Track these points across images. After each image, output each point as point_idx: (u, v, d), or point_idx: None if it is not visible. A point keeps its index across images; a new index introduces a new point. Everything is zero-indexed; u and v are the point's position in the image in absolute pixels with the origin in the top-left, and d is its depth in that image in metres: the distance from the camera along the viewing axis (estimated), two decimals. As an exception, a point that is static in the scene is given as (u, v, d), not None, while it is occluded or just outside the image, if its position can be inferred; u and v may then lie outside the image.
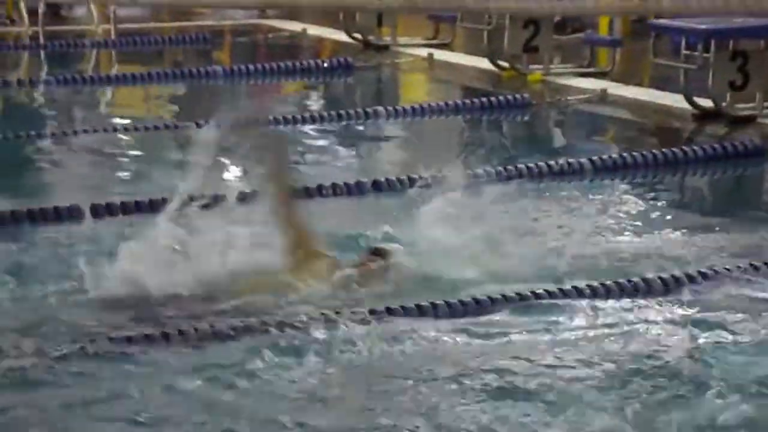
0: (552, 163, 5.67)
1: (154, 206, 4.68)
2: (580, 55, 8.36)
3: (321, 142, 6.55)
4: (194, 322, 3.60)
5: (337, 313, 3.63)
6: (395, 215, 4.66)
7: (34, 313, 3.69)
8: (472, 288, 3.88)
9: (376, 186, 5.24)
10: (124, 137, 6.58)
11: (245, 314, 3.66)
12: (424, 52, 9.17)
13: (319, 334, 3.51)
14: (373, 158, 6.37)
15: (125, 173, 5.78)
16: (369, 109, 7.08)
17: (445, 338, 3.57)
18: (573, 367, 3.35)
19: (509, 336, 3.59)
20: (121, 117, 7.43)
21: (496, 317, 3.73)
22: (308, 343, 3.47)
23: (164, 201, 4.20)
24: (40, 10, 10.35)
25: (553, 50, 8.28)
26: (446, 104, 7.30)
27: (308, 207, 4.78)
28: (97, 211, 4.75)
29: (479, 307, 3.75)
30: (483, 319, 3.70)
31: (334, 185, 5.20)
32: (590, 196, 5.25)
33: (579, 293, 3.86)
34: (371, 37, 9.61)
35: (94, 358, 3.37)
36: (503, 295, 3.81)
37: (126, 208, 4.81)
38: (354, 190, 5.21)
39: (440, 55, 9.12)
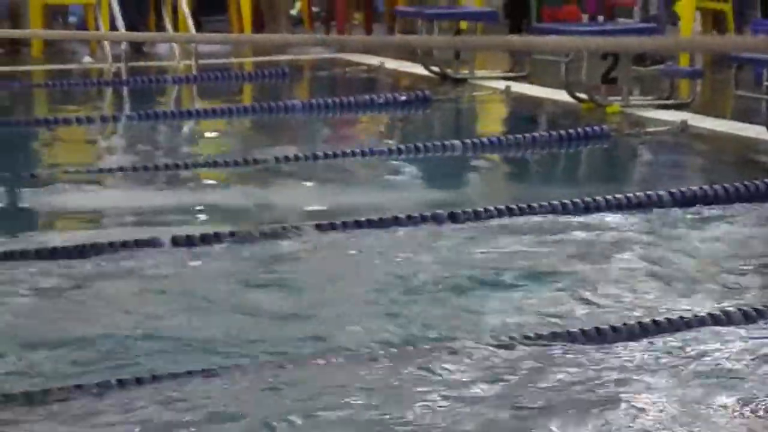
0: (631, 195, 5.63)
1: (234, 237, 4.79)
2: (659, 86, 8.30)
3: (398, 175, 6.57)
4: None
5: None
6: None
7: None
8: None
9: (453, 218, 5.23)
10: (204, 171, 6.64)
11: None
12: (501, 84, 9.16)
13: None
14: (450, 190, 6.36)
15: (204, 205, 5.83)
16: (446, 142, 7.09)
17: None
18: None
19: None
20: (201, 151, 7.52)
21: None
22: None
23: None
24: (123, 47, 10.54)
25: (632, 82, 8.23)
26: (524, 137, 7.27)
27: (384, 238, 4.83)
28: (177, 242, 4.80)
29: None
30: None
31: (409, 217, 5.19)
32: (670, 228, 5.19)
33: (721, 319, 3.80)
34: (449, 70, 9.63)
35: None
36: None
37: (205, 239, 4.85)
38: (430, 221, 5.20)
39: (518, 87, 9.11)
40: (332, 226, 5.02)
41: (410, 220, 5.14)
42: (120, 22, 10.82)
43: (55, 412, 3.06)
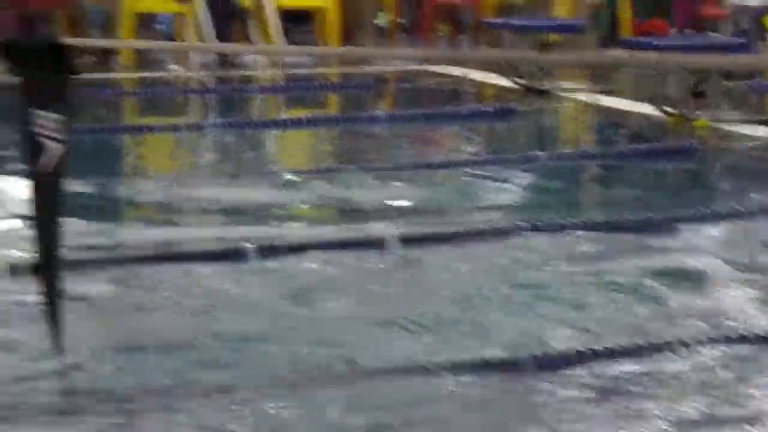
0: (720, 209, 5.56)
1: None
2: (748, 101, 8.20)
3: (481, 186, 6.55)
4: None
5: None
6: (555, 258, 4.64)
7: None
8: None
9: (536, 229, 5.20)
10: (289, 179, 6.69)
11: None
12: (586, 96, 9.11)
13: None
14: (533, 203, 6.34)
15: (282, 219, 5.87)
16: (530, 153, 7.06)
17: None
18: None
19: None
20: (287, 161, 7.58)
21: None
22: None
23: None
24: (211, 56, 10.66)
25: (721, 96, 8.13)
26: (609, 150, 7.22)
27: (467, 249, 4.81)
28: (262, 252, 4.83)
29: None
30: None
31: (494, 229, 5.19)
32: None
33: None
34: (533, 82, 9.60)
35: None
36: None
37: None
38: (513, 232, 5.18)
39: (604, 100, 9.04)
40: (417, 238, 5.01)
41: (497, 231, 5.12)
42: (208, 32, 10.94)
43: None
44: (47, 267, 2.45)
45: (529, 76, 9.61)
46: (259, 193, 6.24)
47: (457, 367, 3.37)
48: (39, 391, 3.08)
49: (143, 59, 11.59)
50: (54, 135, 2.30)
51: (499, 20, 11.30)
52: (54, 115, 2.27)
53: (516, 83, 9.69)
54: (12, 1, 11.65)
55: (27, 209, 2.37)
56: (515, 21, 10.50)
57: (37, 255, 2.44)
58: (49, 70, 2.26)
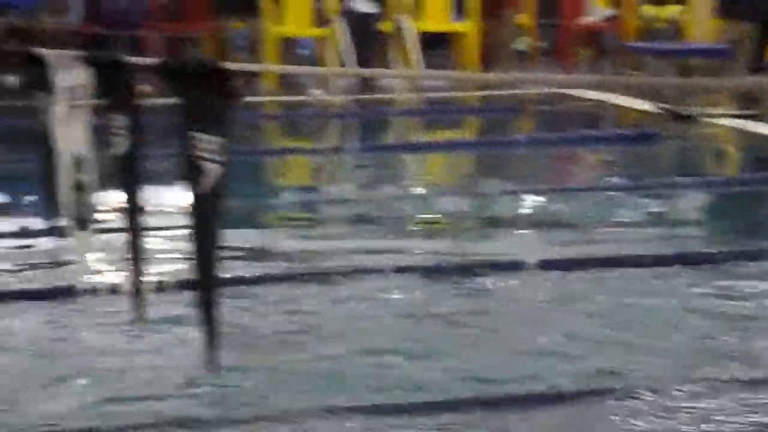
0: None
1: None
2: None
3: (622, 212, 6.48)
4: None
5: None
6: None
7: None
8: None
9: (680, 259, 5.11)
10: (426, 201, 6.71)
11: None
12: (732, 122, 8.95)
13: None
14: (676, 230, 6.24)
15: (420, 238, 5.88)
16: (674, 180, 6.96)
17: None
18: None
19: None
20: (426, 183, 7.61)
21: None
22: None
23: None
24: (352, 80, 10.78)
25: None
26: (755, 177, 7.08)
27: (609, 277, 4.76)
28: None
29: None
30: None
31: (638, 256, 5.11)
32: None
33: None
34: (677, 107, 9.46)
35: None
36: None
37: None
38: (660, 261, 5.10)
39: (750, 125, 8.87)
40: (560, 265, 4.96)
41: (638, 260, 5.05)
42: (350, 56, 11.06)
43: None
44: (204, 285, 2.50)
45: (672, 100, 9.48)
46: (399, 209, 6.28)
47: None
48: (194, 404, 3.15)
49: (285, 83, 11.78)
50: (213, 157, 2.35)
51: (641, 44, 11.18)
52: (214, 138, 2.33)
53: (658, 108, 9.57)
54: (161, 24, 11.95)
55: (183, 226, 2.42)
56: (658, 45, 10.37)
57: (195, 273, 2.49)
58: (211, 94, 2.32)
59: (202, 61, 2.26)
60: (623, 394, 3.35)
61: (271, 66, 11.05)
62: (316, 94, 11.30)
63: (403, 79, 11.12)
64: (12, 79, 9.40)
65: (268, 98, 11.13)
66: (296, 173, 8.19)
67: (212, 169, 2.38)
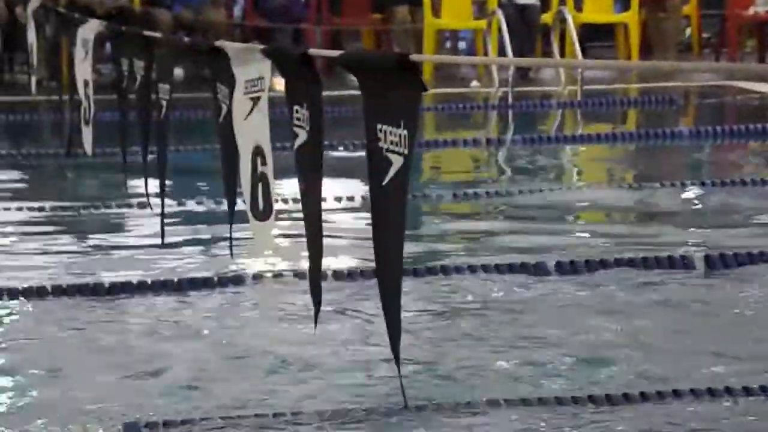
0: None
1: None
2: None
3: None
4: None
5: None
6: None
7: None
8: None
9: None
10: (584, 195, 6.64)
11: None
12: None
13: None
14: None
15: (583, 232, 5.82)
16: None
17: None
18: None
19: None
20: (581, 177, 7.54)
21: None
22: None
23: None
24: (510, 72, 10.73)
25: None
26: None
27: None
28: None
29: None
30: None
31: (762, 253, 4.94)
32: None
33: None
34: None
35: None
36: None
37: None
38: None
39: None
40: (723, 260, 4.85)
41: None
42: (508, 48, 11.00)
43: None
44: (386, 277, 2.52)
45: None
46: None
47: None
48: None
49: (444, 75, 11.78)
50: (398, 150, 2.37)
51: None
52: (400, 131, 2.34)
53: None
54: (323, 17, 12.08)
55: (366, 219, 2.45)
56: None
57: (378, 265, 2.52)
58: (397, 86, 2.33)
59: (388, 54, 2.28)
60: None
61: (450, 57, 11.07)
62: (475, 86, 11.27)
63: (563, 70, 11.02)
64: (178, 72, 9.63)
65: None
66: (450, 165, 8.18)
67: (397, 161, 2.39)
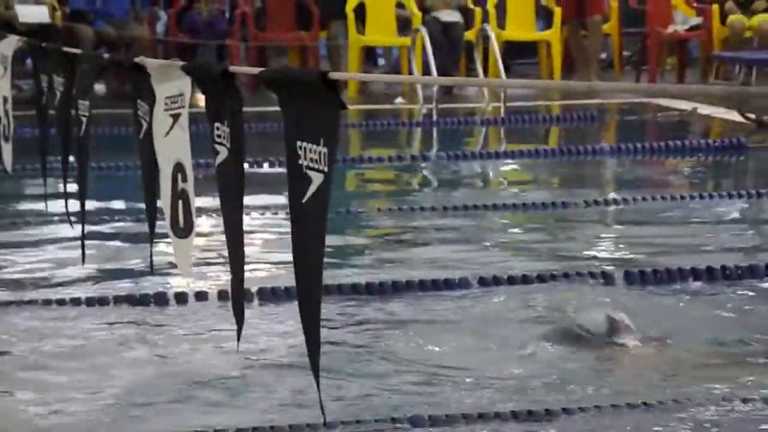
0: None
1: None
2: None
3: (708, 222, 6.40)
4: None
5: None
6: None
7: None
8: None
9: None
10: (507, 213, 6.68)
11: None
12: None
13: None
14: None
15: (505, 249, 5.85)
16: (762, 191, 6.87)
17: None
18: None
19: None
20: (506, 193, 7.59)
21: None
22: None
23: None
24: (435, 88, 10.78)
25: None
26: None
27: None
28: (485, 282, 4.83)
29: None
30: None
31: (723, 267, 5.03)
32: None
33: None
34: (766, 117, 9.33)
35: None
36: None
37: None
38: (748, 274, 5.03)
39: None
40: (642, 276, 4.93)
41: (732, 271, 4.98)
42: (432, 64, 11.05)
43: None
44: (305, 293, 2.51)
45: (761, 111, 9.35)
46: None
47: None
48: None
49: (369, 92, 11.80)
50: (318, 167, 2.36)
51: (730, 53, 11.04)
52: (320, 148, 2.34)
53: (747, 119, 9.44)
54: (247, 33, 12.04)
55: (287, 234, 2.44)
56: (748, 54, 10.24)
57: (298, 282, 2.51)
58: (317, 104, 2.33)
59: (309, 71, 2.27)
60: None
61: (374, 75, 11.08)
62: (399, 102, 11.31)
63: (486, 87, 11.10)
64: (99, 88, 9.53)
65: (349, 107, 11.15)
66: (374, 183, 8.19)
67: (317, 179, 2.38)
